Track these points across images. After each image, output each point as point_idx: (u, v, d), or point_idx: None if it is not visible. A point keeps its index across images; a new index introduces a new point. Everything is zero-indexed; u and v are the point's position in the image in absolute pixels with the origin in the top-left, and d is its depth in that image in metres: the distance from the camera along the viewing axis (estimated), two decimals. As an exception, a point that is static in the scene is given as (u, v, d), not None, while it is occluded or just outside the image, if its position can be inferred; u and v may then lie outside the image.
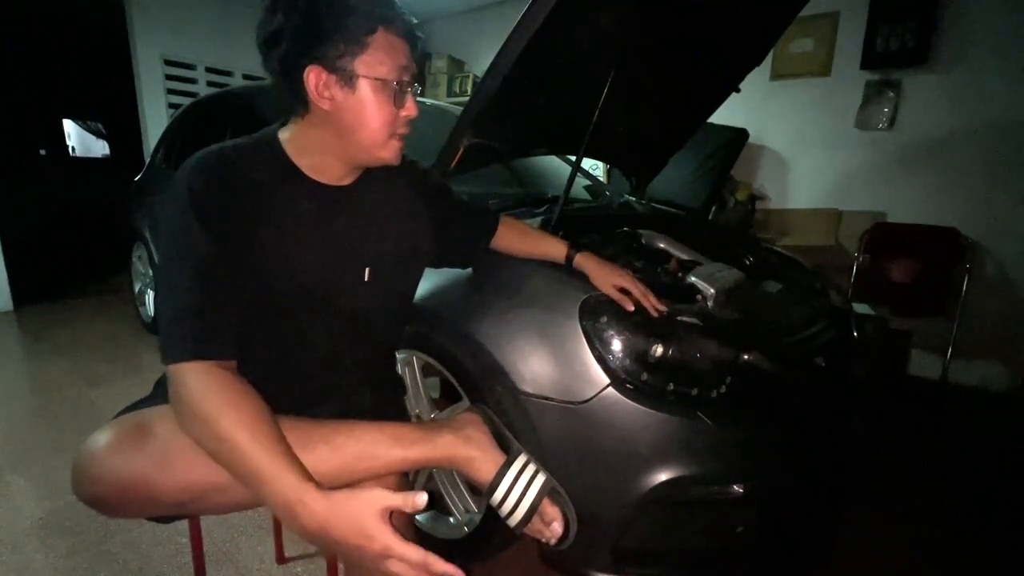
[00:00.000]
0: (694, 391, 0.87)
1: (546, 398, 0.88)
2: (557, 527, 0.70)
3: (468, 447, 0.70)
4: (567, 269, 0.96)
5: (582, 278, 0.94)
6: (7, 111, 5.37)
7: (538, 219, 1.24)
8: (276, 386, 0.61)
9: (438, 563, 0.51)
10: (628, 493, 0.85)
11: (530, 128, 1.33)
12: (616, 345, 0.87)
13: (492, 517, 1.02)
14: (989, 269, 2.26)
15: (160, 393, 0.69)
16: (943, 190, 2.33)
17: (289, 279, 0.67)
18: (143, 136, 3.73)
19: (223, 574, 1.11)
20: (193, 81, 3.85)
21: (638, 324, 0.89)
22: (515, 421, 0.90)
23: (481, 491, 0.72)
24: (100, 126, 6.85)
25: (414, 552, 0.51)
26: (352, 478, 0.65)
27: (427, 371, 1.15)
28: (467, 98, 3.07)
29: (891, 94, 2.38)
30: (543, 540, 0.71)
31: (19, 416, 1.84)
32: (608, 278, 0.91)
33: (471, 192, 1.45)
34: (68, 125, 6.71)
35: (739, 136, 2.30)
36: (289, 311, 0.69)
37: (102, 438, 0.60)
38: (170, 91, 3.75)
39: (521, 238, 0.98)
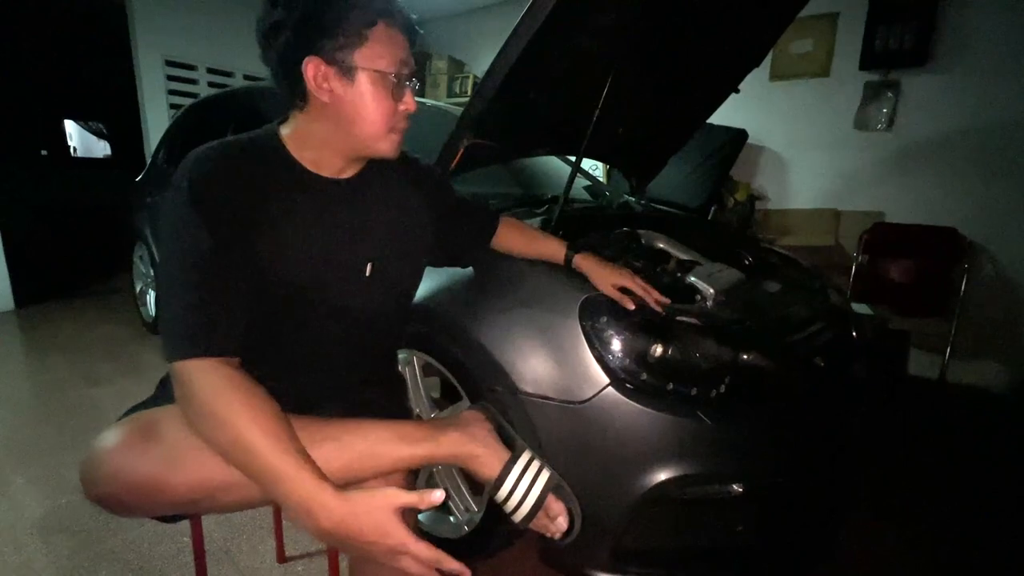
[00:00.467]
0: (693, 391, 0.87)
1: (546, 398, 0.89)
2: (562, 521, 0.71)
3: (473, 444, 0.70)
4: (566, 269, 0.96)
5: (582, 278, 0.94)
6: (8, 111, 5.37)
7: (538, 219, 1.24)
8: (278, 385, 0.61)
9: (449, 561, 0.52)
10: (628, 493, 0.85)
11: (530, 128, 1.34)
12: (616, 345, 0.87)
13: (492, 516, 1.02)
14: (988, 269, 2.26)
15: (165, 393, 0.70)
16: (942, 190, 2.33)
17: (290, 273, 0.67)
18: (144, 136, 3.73)
19: (224, 573, 1.12)
20: (194, 82, 3.85)
21: (638, 324, 0.89)
22: (515, 421, 0.90)
23: (485, 488, 0.72)
24: (101, 126, 6.86)
25: (427, 549, 0.52)
26: (359, 476, 0.66)
27: (427, 371, 1.15)
28: (467, 98, 3.08)
29: (890, 94, 2.39)
30: (547, 535, 0.72)
31: (20, 415, 1.85)
32: (608, 278, 0.91)
33: (471, 192, 1.46)
34: (69, 125, 6.72)
35: (739, 136, 2.31)
36: (290, 307, 0.69)
37: (111, 437, 0.60)
38: (171, 92, 3.75)
39: (521, 238, 0.98)
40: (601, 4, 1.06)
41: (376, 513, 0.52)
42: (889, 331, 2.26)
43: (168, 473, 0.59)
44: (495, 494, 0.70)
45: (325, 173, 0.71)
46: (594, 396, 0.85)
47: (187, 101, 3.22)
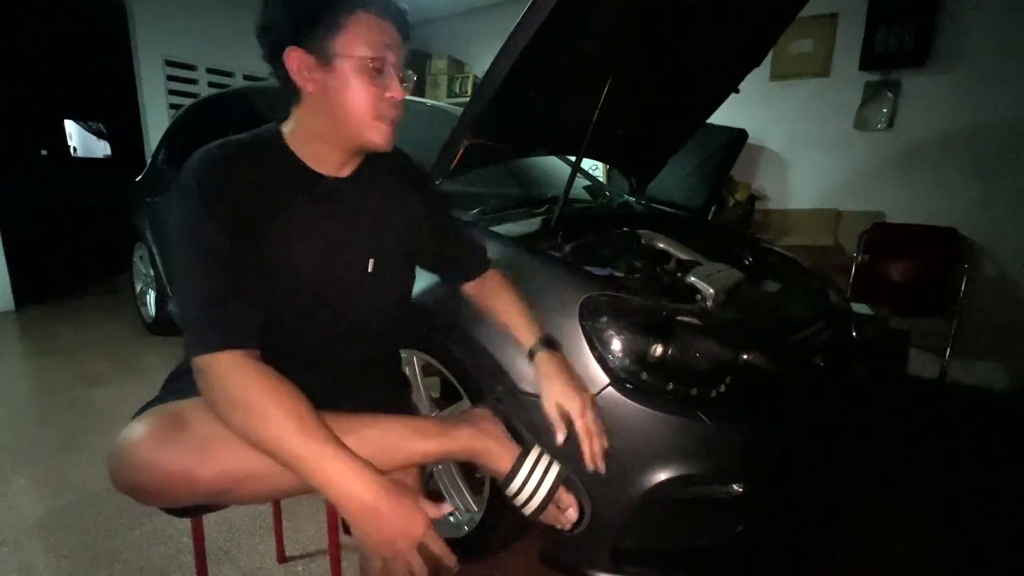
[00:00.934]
0: (694, 391, 0.87)
1: (546, 397, 0.88)
2: (572, 513, 0.72)
3: (486, 440, 0.71)
4: (566, 270, 0.95)
5: (582, 277, 0.94)
6: (8, 112, 5.38)
7: (538, 219, 1.24)
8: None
9: (450, 557, 0.59)
10: (628, 493, 0.85)
11: (530, 128, 1.34)
12: (616, 345, 0.87)
13: (492, 516, 1.02)
14: (988, 269, 2.26)
15: (173, 391, 0.70)
16: (942, 190, 2.33)
17: (295, 270, 0.68)
18: (144, 136, 3.73)
19: (224, 573, 1.12)
20: (194, 82, 3.85)
21: (638, 324, 0.89)
22: (515, 421, 0.90)
23: (496, 483, 0.73)
24: (101, 126, 6.87)
25: (444, 547, 0.58)
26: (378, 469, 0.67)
27: (427, 371, 1.15)
28: (467, 98, 3.08)
29: (890, 94, 2.39)
30: (558, 527, 0.73)
31: (20, 416, 1.85)
32: (556, 396, 0.77)
33: (471, 192, 1.46)
34: (69, 126, 6.73)
35: (739, 136, 2.31)
36: (296, 304, 0.70)
37: (139, 429, 0.60)
38: (171, 92, 3.75)
39: (501, 299, 0.88)
40: (601, 4, 1.06)
41: (409, 500, 0.56)
42: (889, 331, 2.25)
43: (199, 463, 0.59)
44: (507, 487, 0.71)
45: (325, 170, 0.71)
46: (594, 396, 0.85)
47: (187, 101, 3.22)
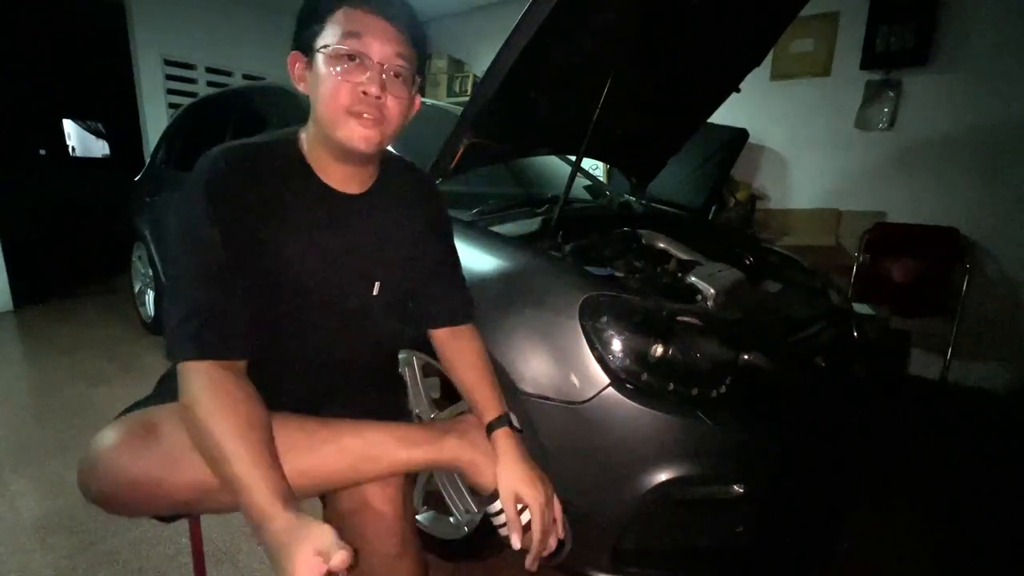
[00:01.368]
0: (694, 391, 0.87)
1: (546, 398, 0.88)
2: (552, 541, 0.69)
3: (473, 451, 0.70)
4: (567, 269, 0.95)
5: (582, 277, 0.94)
6: (7, 111, 5.37)
7: (538, 219, 1.24)
8: (280, 386, 0.61)
9: None
10: (628, 493, 0.85)
11: (530, 128, 1.34)
12: (616, 345, 0.87)
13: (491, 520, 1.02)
14: (989, 269, 2.26)
15: (163, 392, 0.69)
16: (943, 190, 2.33)
17: (296, 283, 0.67)
18: (143, 136, 3.73)
19: (223, 573, 1.11)
20: (193, 81, 3.85)
21: (638, 324, 0.89)
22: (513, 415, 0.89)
23: (481, 495, 0.72)
24: (100, 126, 6.86)
25: None
26: (358, 478, 0.66)
27: (427, 371, 1.15)
28: (467, 98, 3.08)
29: (891, 94, 2.38)
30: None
31: (19, 416, 1.84)
32: (515, 485, 0.68)
33: (471, 192, 1.46)
34: (68, 125, 6.72)
35: (739, 136, 2.31)
36: (293, 312, 0.69)
37: (110, 436, 0.60)
38: (170, 91, 3.75)
39: (472, 359, 0.79)
40: (601, 4, 1.06)
41: (301, 541, 0.50)
42: (890, 331, 2.25)
43: (167, 472, 0.59)
44: (489, 507, 0.70)
45: (335, 183, 0.69)
46: (594, 396, 0.85)
47: (186, 100, 3.22)
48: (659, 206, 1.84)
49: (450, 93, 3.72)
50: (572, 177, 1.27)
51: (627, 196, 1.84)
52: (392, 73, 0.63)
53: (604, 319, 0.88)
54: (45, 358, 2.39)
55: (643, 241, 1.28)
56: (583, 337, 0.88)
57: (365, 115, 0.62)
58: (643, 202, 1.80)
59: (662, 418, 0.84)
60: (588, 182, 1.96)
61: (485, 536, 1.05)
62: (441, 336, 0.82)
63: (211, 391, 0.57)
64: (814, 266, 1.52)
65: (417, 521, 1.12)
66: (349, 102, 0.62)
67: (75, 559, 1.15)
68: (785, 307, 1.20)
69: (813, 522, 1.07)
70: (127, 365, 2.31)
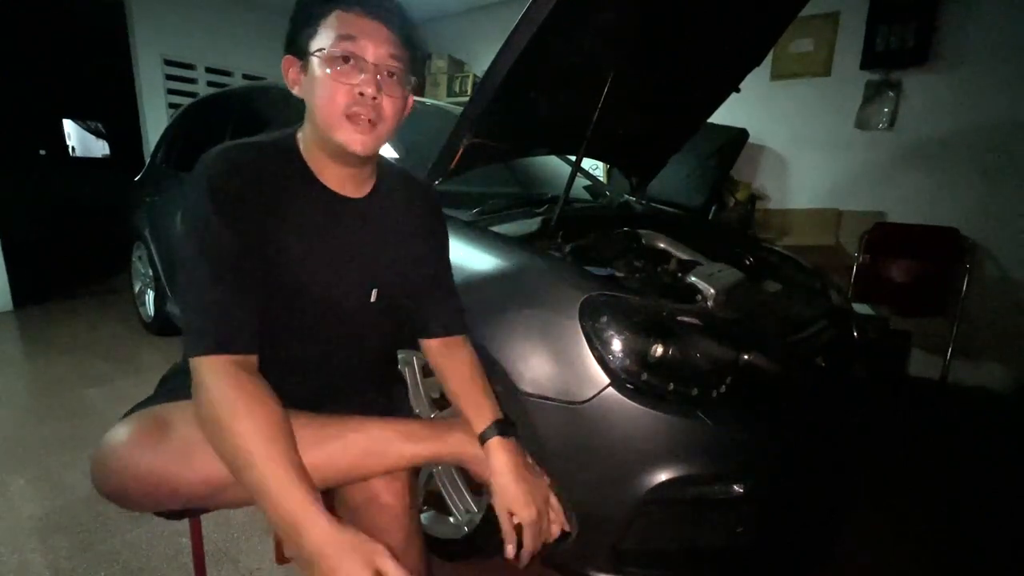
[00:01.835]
0: (694, 391, 0.87)
1: (546, 398, 0.88)
2: (555, 529, 0.71)
3: (477, 446, 0.71)
4: (566, 269, 0.95)
5: (582, 277, 0.94)
6: (7, 111, 5.37)
7: (538, 219, 1.24)
8: (280, 386, 0.61)
9: None
10: (628, 493, 0.85)
11: (530, 128, 1.34)
12: (616, 345, 0.87)
13: (493, 517, 1.02)
14: (989, 269, 2.26)
15: (165, 391, 0.70)
16: (943, 190, 2.33)
17: (296, 284, 0.67)
18: (143, 136, 3.73)
19: (223, 573, 1.11)
20: (193, 81, 3.85)
21: (638, 324, 0.89)
22: (515, 421, 0.89)
23: (484, 490, 0.72)
24: (100, 126, 6.87)
25: None
26: (363, 474, 0.66)
27: (427, 371, 1.15)
28: (467, 98, 3.07)
29: (891, 94, 2.38)
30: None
31: (18, 416, 1.84)
32: (509, 498, 0.68)
33: (471, 192, 1.46)
34: (68, 125, 6.73)
35: (739, 136, 2.31)
36: (295, 312, 0.69)
37: (122, 432, 0.60)
38: (170, 91, 3.75)
39: (463, 369, 0.79)
40: (601, 4, 1.06)
41: (362, 555, 0.50)
42: (890, 331, 2.26)
43: (179, 468, 0.59)
44: (493, 498, 0.70)
45: (333, 185, 0.69)
46: (594, 396, 0.85)
47: (186, 100, 3.22)
48: (659, 206, 1.84)
49: (450, 93, 3.72)
50: (572, 177, 1.27)
51: (627, 196, 1.84)
52: (386, 73, 0.64)
53: (604, 319, 0.88)
54: (45, 358, 2.39)
55: (643, 241, 1.28)
56: (583, 337, 0.87)
57: (362, 116, 0.63)
58: (643, 202, 1.80)
59: (662, 418, 0.84)
60: (588, 182, 1.96)
61: (485, 536, 1.05)
62: (434, 346, 0.81)
63: (233, 392, 0.56)
64: (814, 266, 1.52)
65: (420, 520, 1.12)
66: (345, 104, 0.62)
67: (75, 559, 1.15)
68: (785, 307, 1.20)
69: (813, 522, 1.08)
70: (127, 365, 2.31)
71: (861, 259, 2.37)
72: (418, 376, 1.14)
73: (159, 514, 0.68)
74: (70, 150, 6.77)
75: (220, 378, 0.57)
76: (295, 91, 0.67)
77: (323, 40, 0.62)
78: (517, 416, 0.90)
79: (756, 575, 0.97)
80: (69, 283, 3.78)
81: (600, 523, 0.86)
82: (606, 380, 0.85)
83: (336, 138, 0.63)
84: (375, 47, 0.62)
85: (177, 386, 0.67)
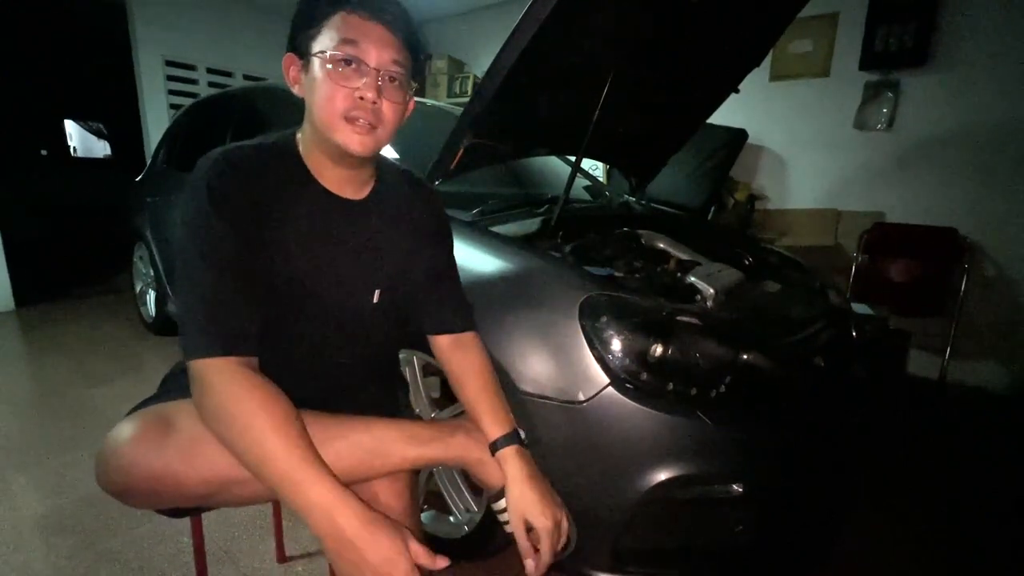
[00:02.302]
0: (693, 391, 0.87)
1: (546, 398, 0.89)
2: (565, 538, 0.70)
3: (480, 449, 0.71)
4: (566, 269, 0.95)
5: (582, 277, 0.94)
6: (9, 111, 5.38)
7: (538, 219, 1.24)
8: (285, 384, 0.62)
9: None
10: (628, 493, 0.85)
11: (530, 128, 1.34)
12: (616, 345, 0.87)
13: (492, 517, 1.02)
14: (988, 269, 2.26)
15: (167, 392, 0.70)
16: (942, 190, 2.33)
17: (296, 285, 0.67)
18: (144, 136, 3.74)
19: (224, 573, 1.12)
20: (194, 82, 3.85)
21: (638, 324, 0.89)
22: (518, 421, 0.90)
23: (485, 492, 0.72)
24: (101, 126, 6.87)
25: None
26: (367, 474, 0.66)
27: (427, 371, 1.15)
28: (467, 98, 3.08)
29: (890, 94, 2.39)
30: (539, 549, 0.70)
31: (20, 415, 1.85)
32: (525, 507, 0.67)
33: (471, 192, 1.46)
34: (69, 125, 6.73)
35: (738, 136, 2.31)
36: (297, 314, 0.70)
37: (126, 430, 0.60)
38: (171, 92, 3.75)
39: (475, 371, 0.78)
40: (601, 4, 1.06)
41: (394, 540, 0.53)
42: (889, 331, 2.26)
43: (184, 466, 0.59)
44: (495, 503, 0.71)
45: (333, 187, 0.69)
46: (594, 396, 0.85)
47: (187, 101, 3.22)
48: (659, 206, 1.84)
49: (450, 93, 3.73)
50: (572, 177, 1.28)
51: (627, 196, 1.84)
52: (388, 78, 0.64)
53: (604, 319, 0.89)
54: (47, 358, 2.39)
55: (643, 241, 1.28)
56: (583, 337, 0.88)
57: (361, 120, 0.63)
58: (643, 202, 1.80)
59: (662, 418, 0.84)
60: (588, 182, 1.96)
61: (485, 535, 1.05)
62: (444, 345, 0.81)
63: (244, 390, 0.57)
64: (813, 266, 1.52)
65: (421, 520, 1.12)
66: (345, 107, 0.62)
67: (76, 558, 1.15)
68: (784, 307, 1.20)
69: (813, 522, 1.08)
70: (128, 365, 2.31)
71: (860, 259, 2.37)
72: (418, 376, 1.15)
73: (161, 512, 0.68)
74: (71, 150, 6.78)
75: (229, 379, 0.57)
76: (295, 90, 0.67)
77: (326, 41, 0.62)
78: (517, 416, 0.90)
79: (756, 575, 0.97)
80: (70, 283, 3.78)
81: (600, 522, 0.87)
82: (606, 380, 0.85)
83: (335, 139, 0.64)
84: (378, 51, 0.63)
85: (180, 385, 0.67)
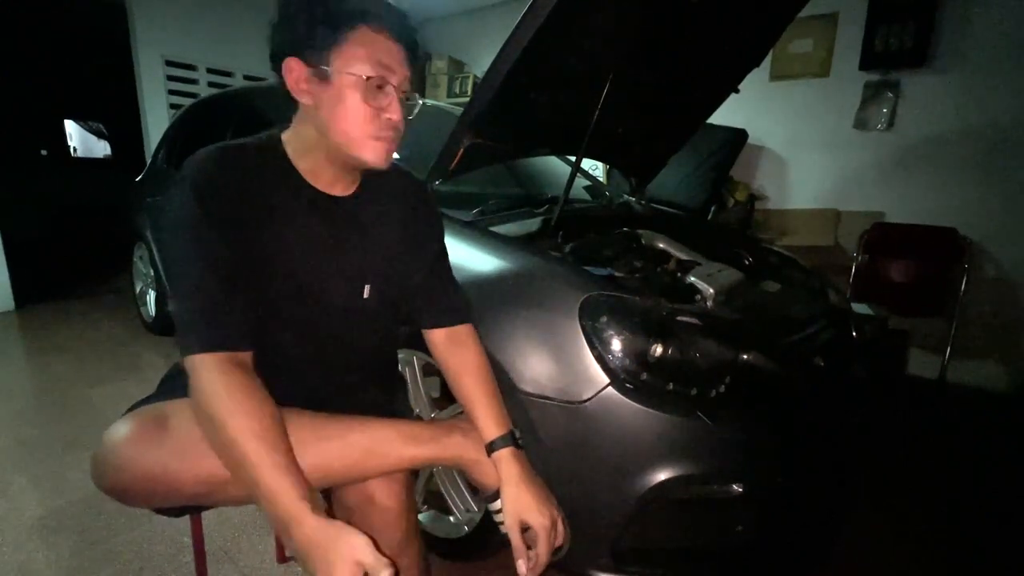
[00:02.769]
0: (693, 391, 0.87)
1: (546, 398, 0.89)
2: (560, 538, 0.70)
3: (477, 450, 0.71)
4: (566, 270, 0.95)
5: (582, 277, 0.94)
6: (9, 111, 5.38)
7: (538, 219, 1.24)
8: (277, 386, 0.62)
9: None
10: (628, 493, 0.85)
11: (530, 128, 1.34)
12: (616, 345, 0.87)
13: (491, 517, 1.02)
14: (987, 269, 2.26)
15: (165, 391, 0.70)
16: (941, 190, 2.33)
17: (286, 282, 0.67)
18: (144, 136, 3.73)
19: (224, 573, 1.12)
20: (194, 82, 3.85)
21: (638, 324, 0.89)
22: (515, 421, 0.90)
23: (481, 492, 0.72)
24: (101, 127, 6.87)
25: None
26: (363, 474, 0.67)
27: (427, 371, 1.15)
28: (467, 98, 3.08)
29: (890, 95, 2.39)
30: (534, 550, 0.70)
31: (20, 415, 1.85)
32: (521, 508, 0.67)
33: (471, 192, 1.46)
34: (70, 126, 6.73)
35: (739, 136, 2.31)
36: (287, 311, 0.70)
37: (122, 429, 0.61)
38: (171, 92, 3.75)
39: (471, 367, 0.78)
40: (601, 4, 1.06)
41: (336, 554, 0.51)
42: (889, 331, 2.26)
43: (179, 465, 0.60)
44: (491, 503, 0.71)
45: (323, 186, 0.69)
46: (594, 396, 0.85)
47: (187, 101, 3.22)
48: (658, 206, 1.84)
49: (450, 94, 3.73)
50: (572, 177, 1.28)
51: (627, 196, 1.84)
52: (402, 94, 0.66)
53: (604, 319, 0.89)
54: (46, 357, 2.39)
55: (643, 241, 1.28)
56: (583, 337, 0.88)
57: (387, 137, 0.65)
58: (643, 202, 1.80)
59: (661, 418, 0.84)
60: (588, 182, 1.96)
61: (485, 535, 1.05)
62: (439, 340, 0.80)
63: (227, 389, 0.57)
64: (813, 266, 1.52)
65: (418, 522, 1.12)
66: (376, 129, 0.64)
67: (76, 558, 1.15)
68: (784, 307, 1.20)
69: (813, 522, 1.08)
70: (128, 365, 2.31)
71: (860, 259, 2.37)
72: (418, 376, 1.15)
73: (160, 511, 0.68)
74: (71, 150, 6.78)
75: (214, 376, 0.58)
76: (303, 99, 0.65)
77: (354, 63, 0.61)
78: (517, 416, 0.90)
79: (756, 575, 0.97)
80: (70, 283, 3.78)
81: (600, 522, 0.87)
82: (606, 380, 0.85)
83: (358, 155, 0.65)
84: (399, 73, 0.64)
85: (177, 385, 0.67)
